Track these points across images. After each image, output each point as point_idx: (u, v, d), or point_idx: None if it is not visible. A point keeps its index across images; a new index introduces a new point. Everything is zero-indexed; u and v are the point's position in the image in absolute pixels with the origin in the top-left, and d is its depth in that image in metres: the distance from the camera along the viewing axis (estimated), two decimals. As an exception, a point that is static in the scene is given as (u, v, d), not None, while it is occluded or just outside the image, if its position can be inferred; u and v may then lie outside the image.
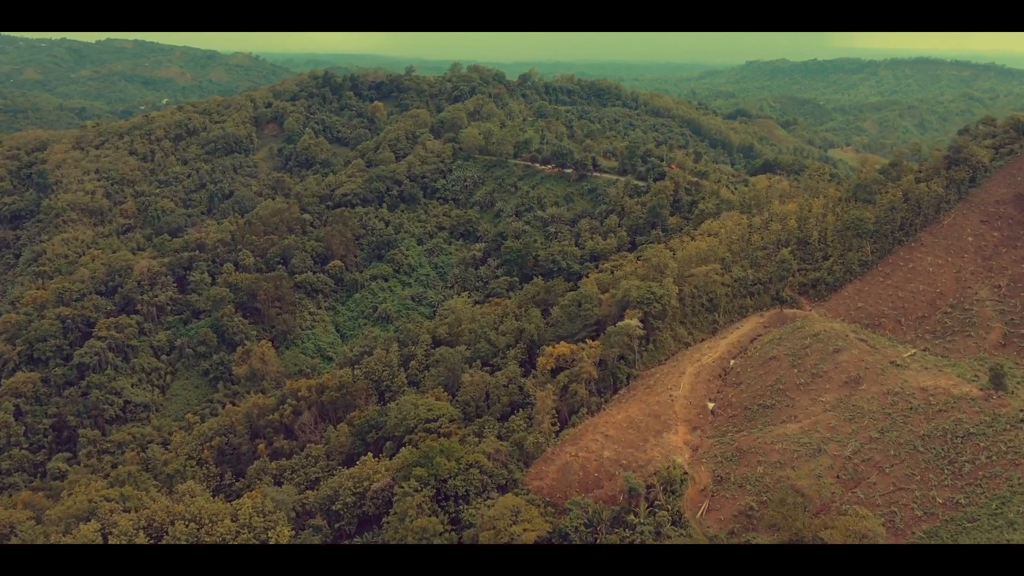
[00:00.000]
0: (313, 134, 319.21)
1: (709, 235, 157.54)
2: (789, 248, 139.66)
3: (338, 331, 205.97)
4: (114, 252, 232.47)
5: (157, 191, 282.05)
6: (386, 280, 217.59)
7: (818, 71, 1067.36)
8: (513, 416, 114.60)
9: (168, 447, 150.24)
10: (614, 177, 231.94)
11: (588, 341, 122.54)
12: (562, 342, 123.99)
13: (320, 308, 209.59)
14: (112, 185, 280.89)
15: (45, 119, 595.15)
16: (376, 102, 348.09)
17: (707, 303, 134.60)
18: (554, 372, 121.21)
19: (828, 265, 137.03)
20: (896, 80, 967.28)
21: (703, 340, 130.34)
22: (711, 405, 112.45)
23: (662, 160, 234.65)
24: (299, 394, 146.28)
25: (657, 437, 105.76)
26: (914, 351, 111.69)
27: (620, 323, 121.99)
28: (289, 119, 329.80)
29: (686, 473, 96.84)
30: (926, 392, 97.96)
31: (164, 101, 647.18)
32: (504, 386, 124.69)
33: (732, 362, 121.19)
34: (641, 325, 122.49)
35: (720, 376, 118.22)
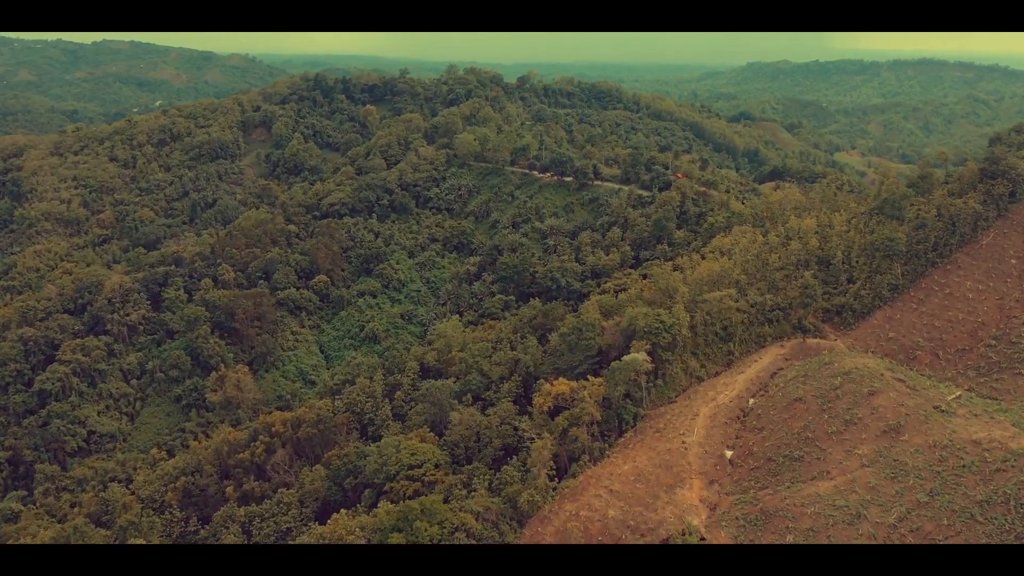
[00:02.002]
0: (302, 139, 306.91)
1: (721, 253, 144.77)
2: (812, 271, 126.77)
3: (322, 352, 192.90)
4: (88, 265, 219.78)
5: (137, 199, 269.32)
6: (374, 296, 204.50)
7: (820, 72, 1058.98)
8: (506, 465, 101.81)
9: (130, 486, 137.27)
10: (616, 186, 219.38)
11: (590, 378, 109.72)
12: (561, 378, 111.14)
13: (303, 327, 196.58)
14: (90, 193, 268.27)
15: (35, 122, 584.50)
16: (368, 105, 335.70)
17: (721, 332, 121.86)
18: (552, 412, 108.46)
19: (855, 290, 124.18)
20: (899, 82, 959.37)
21: (717, 374, 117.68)
22: (729, 454, 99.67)
23: (667, 168, 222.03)
24: (273, 429, 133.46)
25: (669, 493, 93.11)
26: (959, 393, 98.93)
27: (626, 357, 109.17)
28: (278, 123, 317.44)
29: (704, 540, 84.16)
30: (979, 446, 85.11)
31: (158, 103, 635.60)
32: (497, 427, 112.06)
33: (751, 401, 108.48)
34: (649, 359, 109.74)
35: (738, 418, 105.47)
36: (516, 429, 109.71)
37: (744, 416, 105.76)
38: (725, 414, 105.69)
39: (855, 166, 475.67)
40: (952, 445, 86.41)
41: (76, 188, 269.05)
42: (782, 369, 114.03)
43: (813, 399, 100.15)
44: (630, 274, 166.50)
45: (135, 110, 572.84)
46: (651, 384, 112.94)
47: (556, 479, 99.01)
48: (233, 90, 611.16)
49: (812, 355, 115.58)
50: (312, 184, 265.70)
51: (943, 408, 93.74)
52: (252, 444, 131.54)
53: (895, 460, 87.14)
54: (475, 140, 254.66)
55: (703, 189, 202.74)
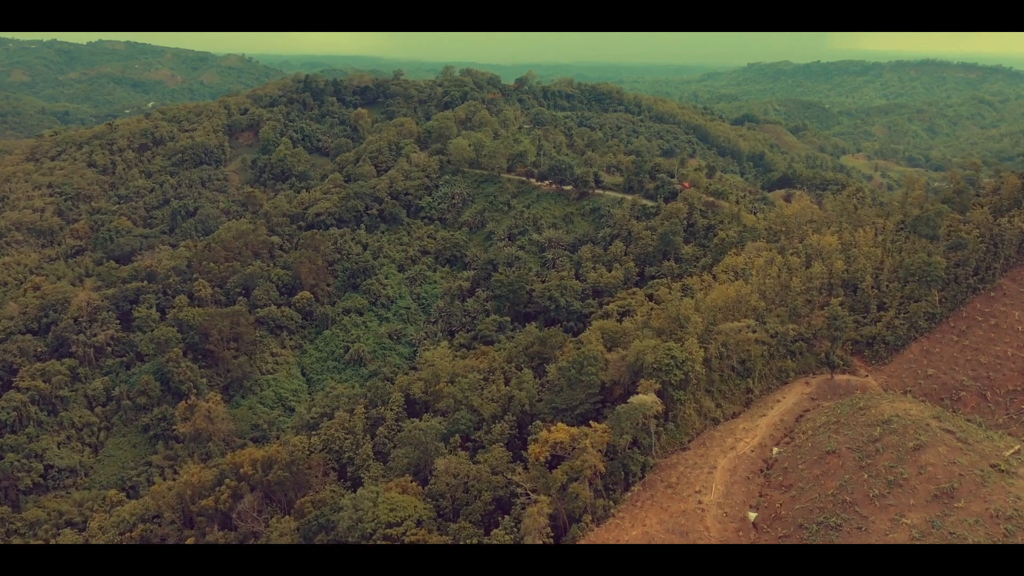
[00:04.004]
0: (291, 144, 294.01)
1: (735, 274, 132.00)
2: (839, 298, 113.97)
3: (304, 375, 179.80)
4: (58, 280, 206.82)
5: (115, 208, 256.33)
6: (361, 314, 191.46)
7: (821, 73, 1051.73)
8: (496, 528, 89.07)
9: (84, 533, 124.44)
10: (619, 195, 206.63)
11: (592, 424, 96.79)
12: (560, 424, 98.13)
13: (284, 348, 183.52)
14: (65, 201, 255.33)
15: (25, 123, 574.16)
16: (360, 109, 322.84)
17: (739, 366, 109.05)
18: (550, 462, 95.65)
19: (887, 319, 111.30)
20: (901, 83, 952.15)
21: (735, 415, 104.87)
22: (753, 516, 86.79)
23: (672, 176, 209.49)
24: (241, 471, 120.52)
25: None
26: (1017, 447, 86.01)
27: (633, 399, 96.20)
28: (265, 127, 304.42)
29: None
30: (1051, 518, 72.37)
31: (150, 104, 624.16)
32: (488, 477, 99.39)
33: (775, 450, 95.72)
34: (659, 399, 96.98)
35: (761, 471, 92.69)
36: (508, 481, 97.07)
37: (768, 469, 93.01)
38: (746, 466, 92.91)
39: (861, 170, 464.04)
40: (1018, 516, 73.54)
41: (51, 196, 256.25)
42: (809, 411, 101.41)
43: (849, 453, 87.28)
44: (635, 293, 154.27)
45: (127, 111, 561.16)
46: (661, 428, 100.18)
47: (554, 544, 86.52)
48: (228, 91, 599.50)
49: (842, 395, 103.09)
50: (299, 191, 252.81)
51: (1001, 467, 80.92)
52: (217, 489, 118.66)
53: (951, 533, 74.30)
54: (470, 146, 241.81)
55: (711, 199, 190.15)
